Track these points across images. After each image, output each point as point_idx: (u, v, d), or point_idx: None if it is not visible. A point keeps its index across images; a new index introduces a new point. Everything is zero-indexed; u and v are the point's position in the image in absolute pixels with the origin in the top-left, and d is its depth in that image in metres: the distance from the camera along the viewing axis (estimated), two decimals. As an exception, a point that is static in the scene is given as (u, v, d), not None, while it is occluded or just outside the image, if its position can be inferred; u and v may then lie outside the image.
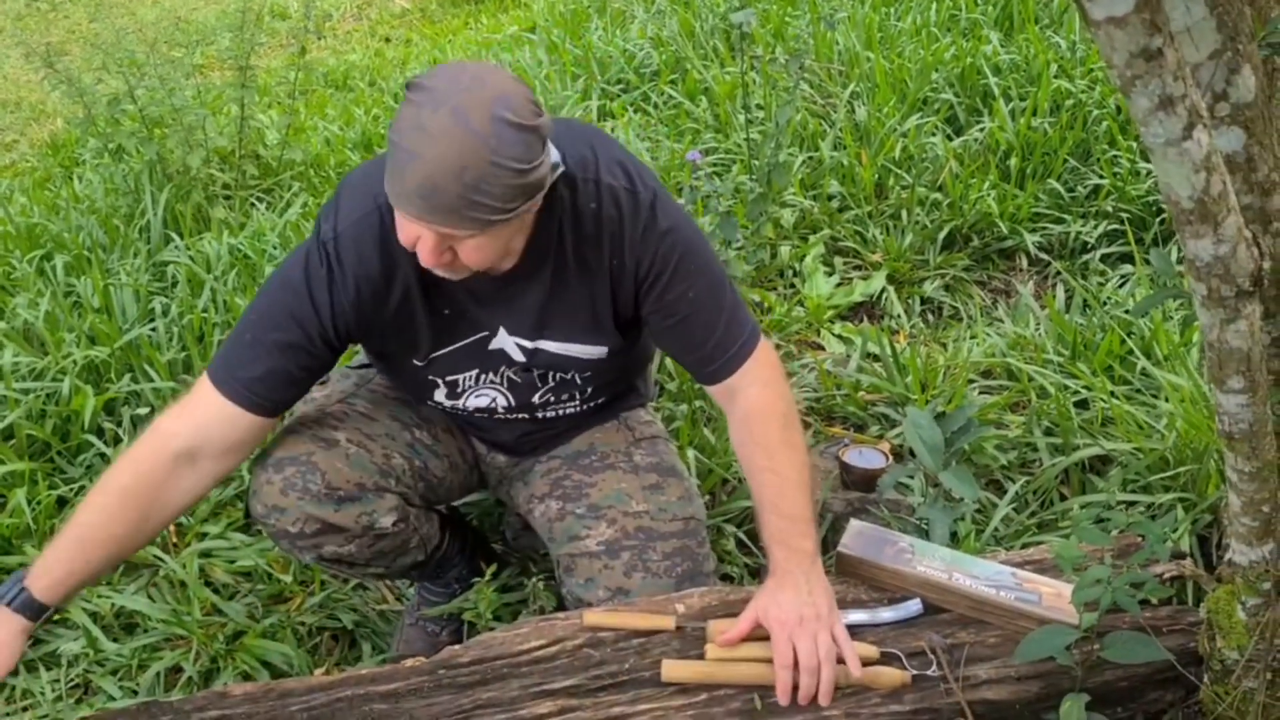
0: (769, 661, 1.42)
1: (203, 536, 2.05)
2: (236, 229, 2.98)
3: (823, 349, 2.61)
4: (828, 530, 1.99)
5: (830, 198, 3.11)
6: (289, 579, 1.97)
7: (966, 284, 2.84)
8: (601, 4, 4.63)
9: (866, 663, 1.44)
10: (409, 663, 1.47)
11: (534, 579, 1.75)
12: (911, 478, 1.95)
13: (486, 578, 1.73)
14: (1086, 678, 1.41)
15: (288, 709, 1.41)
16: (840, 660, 1.40)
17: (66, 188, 3.47)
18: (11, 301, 2.65)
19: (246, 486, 1.59)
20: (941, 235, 2.92)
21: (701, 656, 1.44)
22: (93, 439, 2.23)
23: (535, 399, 1.64)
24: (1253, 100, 1.16)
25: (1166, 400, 2.18)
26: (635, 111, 3.68)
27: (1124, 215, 2.91)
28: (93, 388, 2.32)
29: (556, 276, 1.49)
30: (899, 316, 2.71)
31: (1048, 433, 2.19)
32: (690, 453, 2.10)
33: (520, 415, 1.67)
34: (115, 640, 1.87)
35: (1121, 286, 2.72)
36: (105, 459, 2.21)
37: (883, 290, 2.81)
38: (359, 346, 1.68)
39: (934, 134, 3.27)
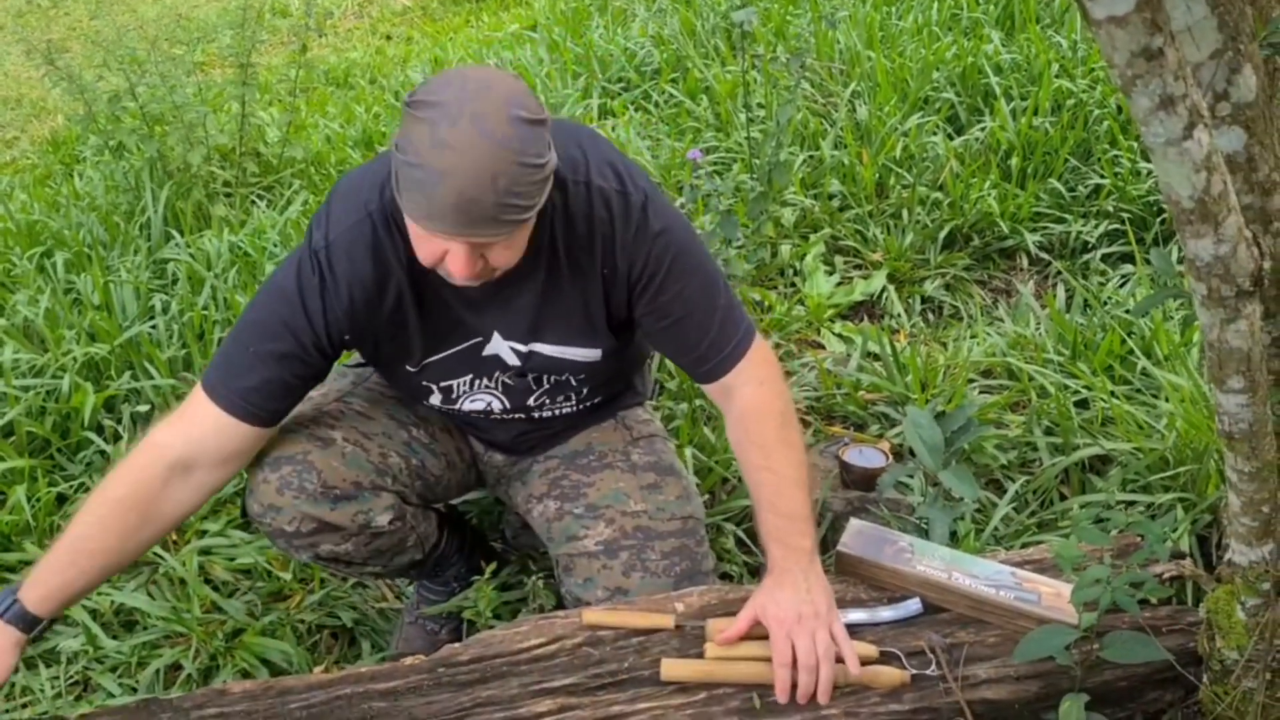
0: (768, 660, 1.42)
1: (202, 534, 2.05)
2: (237, 226, 2.98)
3: (823, 348, 2.61)
4: (827, 529, 1.98)
5: (831, 197, 3.10)
6: (288, 577, 1.97)
7: (967, 283, 2.84)
8: (603, 2, 4.63)
9: (866, 662, 1.44)
10: (408, 661, 1.47)
11: (533, 577, 1.75)
12: (911, 477, 1.95)
13: (486, 576, 1.73)
14: (1086, 677, 1.41)
15: (287, 707, 1.41)
16: (839, 659, 1.40)
17: (67, 185, 3.47)
18: (12, 298, 2.65)
19: (244, 485, 1.59)
20: (942, 234, 2.92)
21: (700, 655, 1.44)
22: (92, 436, 2.23)
23: (531, 401, 1.64)
24: (1254, 100, 1.16)
25: (1166, 400, 2.18)
26: (636, 110, 3.68)
27: (1125, 215, 2.91)
28: (93, 385, 2.32)
29: (549, 279, 1.48)
30: (899, 316, 2.71)
31: (1048, 432, 2.19)
32: (689, 451, 2.10)
33: (516, 416, 1.67)
34: (115, 637, 1.88)
35: (1122, 286, 2.71)
36: (105, 456, 2.21)
37: (883, 289, 2.81)
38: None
39: (935, 133, 3.27)
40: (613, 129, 3.50)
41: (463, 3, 5.76)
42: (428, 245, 1.32)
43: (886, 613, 1.52)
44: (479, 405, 1.63)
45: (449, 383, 1.59)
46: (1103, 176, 3.02)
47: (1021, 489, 2.04)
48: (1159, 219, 2.90)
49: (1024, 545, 1.87)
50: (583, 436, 1.74)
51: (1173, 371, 2.26)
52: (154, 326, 2.52)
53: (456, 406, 1.63)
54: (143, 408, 2.31)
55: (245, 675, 1.78)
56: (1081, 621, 1.39)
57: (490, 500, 2.09)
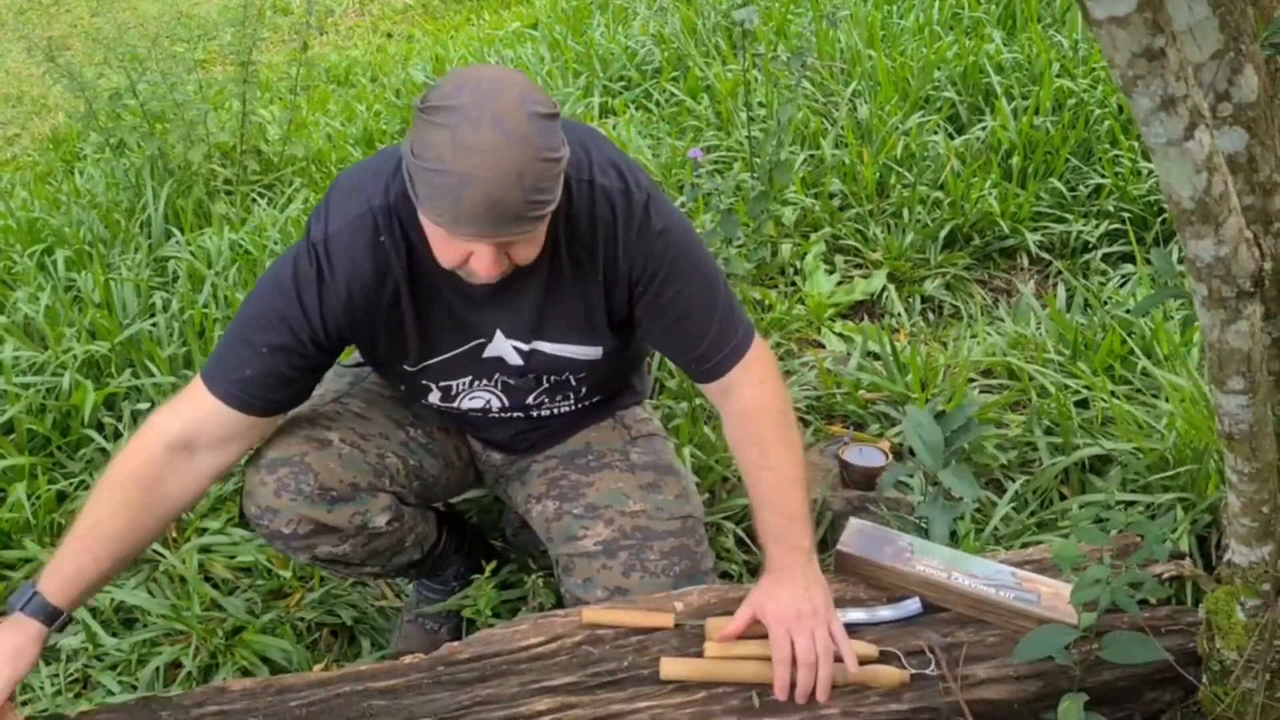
0: (767, 659, 1.43)
1: (202, 532, 2.05)
2: (238, 224, 2.98)
3: (823, 347, 2.61)
4: (827, 529, 1.98)
5: (831, 196, 3.10)
6: (288, 575, 1.97)
7: (967, 283, 2.84)
8: (604, 1, 4.63)
9: (865, 661, 1.44)
10: (408, 659, 1.47)
11: (533, 576, 1.75)
12: (911, 476, 1.95)
13: (485, 575, 1.73)
14: (1085, 677, 1.41)
15: (287, 705, 1.41)
16: (838, 658, 1.40)
17: (68, 182, 3.47)
18: (12, 296, 2.65)
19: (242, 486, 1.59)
20: (943, 234, 2.92)
21: (700, 654, 1.45)
22: (93, 434, 2.23)
23: (530, 400, 1.64)
24: (1255, 100, 1.16)
25: (1167, 400, 2.18)
26: (637, 109, 3.68)
27: (1125, 215, 2.91)
28: (93, 383, 2.32)
29: (551, 277, 1.48)
30: (899, 315, 2.71)
31: (1048, 432, 2.19)
32: (688, 450, 2.10)
33: (515, 415, 1.67)
34: (115, 635, 1.88)
35: (1122, 286, 2.71)
36: (105, 454, 2.21)
37: (883, 289, 2.80)
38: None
39: (936, 132, 3.27)
40: (613, 128, 3.50)
41: (464, 1, 5.76)
42: (450, 249, 1.32)
43: (886, 612, 1.52)
44: (478, 403, 1.63)
45: (449, 382, 1.59)
46: (1103, 176, 3.02)
47: (1021, 489, 2.04)
48: (1160, 219, 2.90)
49: (1024, 545, 1.87)
50: (581, 436, 1.74)
51: (1173, 371, 2.26)
52: (154, 324, 2.52)
53: (456, 404, 1.63)
54: (143, 405, 2.31)
55: (245, 673, 1.78)
56: (1081, 621, 1.39)
57: (490, 499, 2.09)
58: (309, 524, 1.54)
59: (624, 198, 1.45)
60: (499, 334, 1.53)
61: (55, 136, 4.21)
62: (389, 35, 5.49)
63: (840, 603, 1.54)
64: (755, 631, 1.47)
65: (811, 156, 3.24)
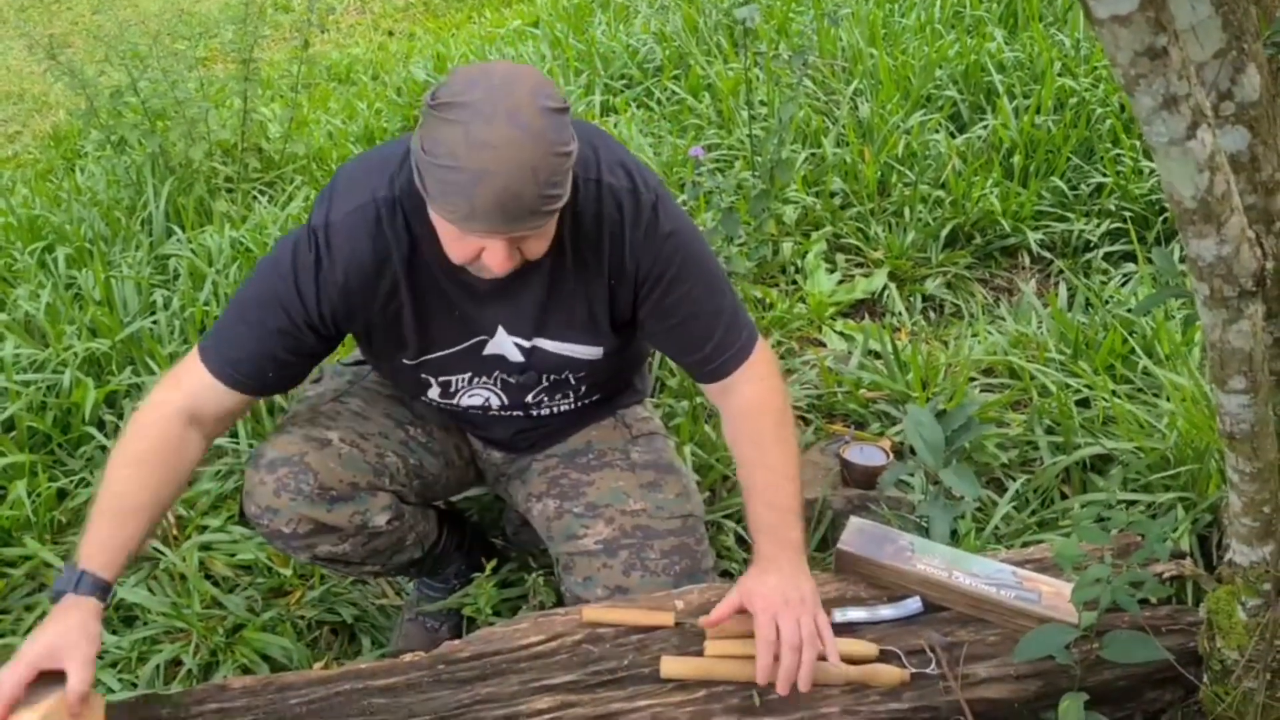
0: (768, 658, 1.43)
1: (203, 530, 2.05)
2: (239, 222, 2.98)
3: (824, 346, 2.61)
4: (828, 528, 1.98)
5: (833, 194, 3.10)
6: (289, 573, 1.97)
7: (968, 282, 2.84)
8: (605, -1, 4.63)
9: (865, 661, 1.44)
10: (408, 657, 1.47)
11: (534, 574, 1.75)
12: (912, 475, 1.95)
13: (486, 573, 1.73)
14: (1085, 677, 1.41)
15: (287, 702, 1.41)
16: (821, 656, 1.39)
17: (69, 180, 3.47)
18: (13, 293, 2.65)
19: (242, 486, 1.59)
20: (944, 233, 2.92)
21: (700, 653, 1.44)
22: (93, 431, 2.23)
23: (529, 398, 1.63)
24: (1257, 99, 1.16)
25: (1168, 399, 2.18)
26: (638, 107, 3.68)
27: (1127, 214, 2.91)
28: (94, 380, 2.32)
29: (555, 275, 1.48)
30: (900, 314, 2.71)
31: (1049, 431, 2.18)
32: (689, 449, 2.10)
33: (514, 413, 1.67)
34: (115, 633, 1.88)
35: (1124, 285, 2.71)
36: (105, 451, 2.20)
37: (884, 287, 2.80)
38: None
39: (937, 131, 3.26)
40: (615, 126, 3.50)
41: (465, -2, 5.76)
42: (462, 245, 1.32)
43: (886, 611, 1.52)
44: (477, 401, 1.63)
45: (448, 377, 1.59)
46: (1105, 175, 3.01)
47: (1022, 488, 2.04)
48: (1161, 218, 2.89)
49: (1024, 544, 1.87)
50: (582, 435, 1.73)
51: (1174, 371, 2.25)
52: (155, 322, 2.52)
53: (455, 401, 1.63)
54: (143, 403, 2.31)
55: (245, 671, 1.78)
56: (1081, 621, 1.39)
57: (490, 497, 2.09)
58: (309, 523, 1.54)
59: (632, 197, 1.45)
60: (501, 330, 1.53)
61: (56, 134, 4.21)
62: (390, 33, 5.48)
63: (841, 601, 1.54)
64: (747, 629, 1.46)
65: (813, 155, 3.23)
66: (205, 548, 2.01)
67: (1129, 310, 2.51)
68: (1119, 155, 3.05)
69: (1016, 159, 3.08)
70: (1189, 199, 1.05)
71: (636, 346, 1.68)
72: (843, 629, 1.50)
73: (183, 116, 3.16)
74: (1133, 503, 1.97)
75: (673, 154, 3.24)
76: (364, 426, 1.63)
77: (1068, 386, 2.28)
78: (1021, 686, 1.44)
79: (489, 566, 1.75)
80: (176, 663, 1.83)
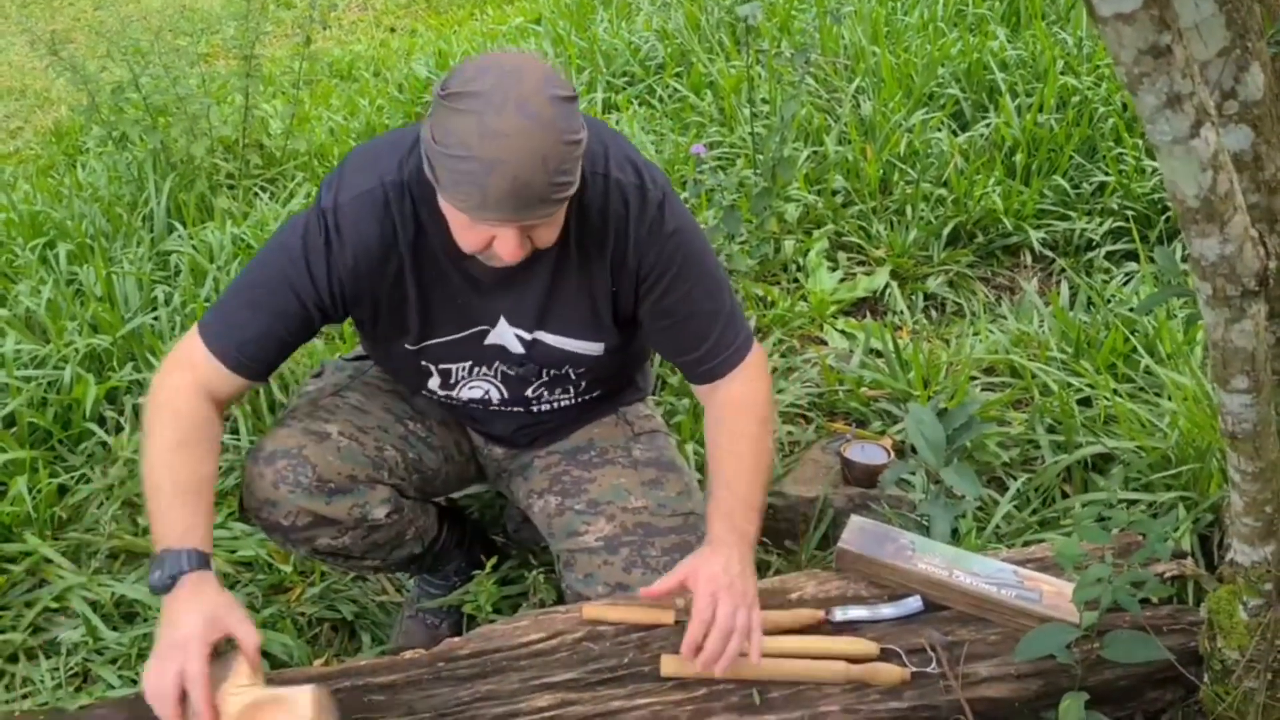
0: (768, 657, 1.42)
1: (203, 526, 2.04)
2: (240, 219, 2.97)
3: (825, 344, 2.61)
4: (829, 526, 1.98)
5: (835, 193, 3.10)
6: (289, 569, 1.97)
7: (970, 280, 2.84)
8: (607, -4, 4.62)
9: (865, 659, 1.43)
10: (408, 654, 1.47)
11: (534, 572, 1.75)
12: (913, 474, 1.95)
13: (486, 570, 1.73)
14: (1086, 676, 1.41)
15: (286, 699, 1.41)
16: (744, 653, 1.38)
17: (70, 175, 3.46)
18: (14, 289, 2.65)
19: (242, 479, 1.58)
20: (946, 231, 2.91)
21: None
22: (94, 427, 2.23)
23: (529, 392, 1.63)
24: (1261, 98, 1.15)
25: (1169, 399, 2.17)
26: (640, 105, 3.67)
27: (1129, 213, 2.90)
28: (94, 376, 2.32)
29: (559, 268, 1.48)
30: (902, 312, 2.71)
31: (1050, 430, 2.18)
32: (690, 447, 2.10)
33: (515, 408, 1.67)
34: (115, 629, 1.88)
35: (1126, 284, 2.71)
36: (106, 447, 2.21)
37: (886, 286, 2.80)
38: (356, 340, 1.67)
39: (939, 129, 3.26)
40: (617, 123, 3.49)
41: (467, -5, 5.75)
42: (473, 234, 1.33)
43: (887, 610, 1.52)
44: (477, 393, 1.63)
45: (448, 366, 1.59)
46: (1107, 174, 3.01)
47: (1023, 487, 2.04)
48: (1163, 217, 2.89)
49: (1025, 543, 1.86)
50: (584, 432, 1.73)
51: (1176, 370, 2.25)
52: (156, 318, 2.52)
53: (455, 392, 1.63)
54: (144, 399, 2.30)
55: (245, 667, 1.78)
56: (1082, 620, 1.38)
57: (492, 494, 2.09)
58: (308, 516, 1.54)
59: (638, 193, 1.46)
60: (503, 321, 1.53)
61: (58, 130, 4.21)
62: (392, 30, 5.48)
63: (842, 600, 1.54)
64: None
65: (815, 153, 3.23)
66: (206, 544, 2.01)
67: (1131, 309, 2.51)
68: (1121, 154, 3.04)
69: (1019, 157, 3.08)
70: (1192, 198, 1.05)
71: (638, 345, 1.68)
72: (843, 627, 1.50)
73: (184, 113, 3.16)
74: (1134, 502, 1.97)
75: (674, 151, 3.24)
76: (363, 420, 1.63)
77: (1069, 385, 2.27)
78: (1022, 686, 1.44)
79: (489, 564, 1.74)
80: (177, 659, 1.83)
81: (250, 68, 3.24)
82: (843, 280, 2.83)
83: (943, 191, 3.03)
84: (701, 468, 2.07)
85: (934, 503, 1.76)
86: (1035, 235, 2.89)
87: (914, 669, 1.43)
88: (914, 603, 1.53)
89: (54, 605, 1.91)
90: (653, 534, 1.60)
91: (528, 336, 1.55)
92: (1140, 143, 3.05)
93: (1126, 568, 1.38)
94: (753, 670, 1.42)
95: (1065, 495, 2.06)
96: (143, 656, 1.82)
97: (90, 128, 3.64)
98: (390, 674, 1.44)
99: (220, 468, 2.13)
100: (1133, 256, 2.82)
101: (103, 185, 3.22)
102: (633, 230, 1.46)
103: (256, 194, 3.21)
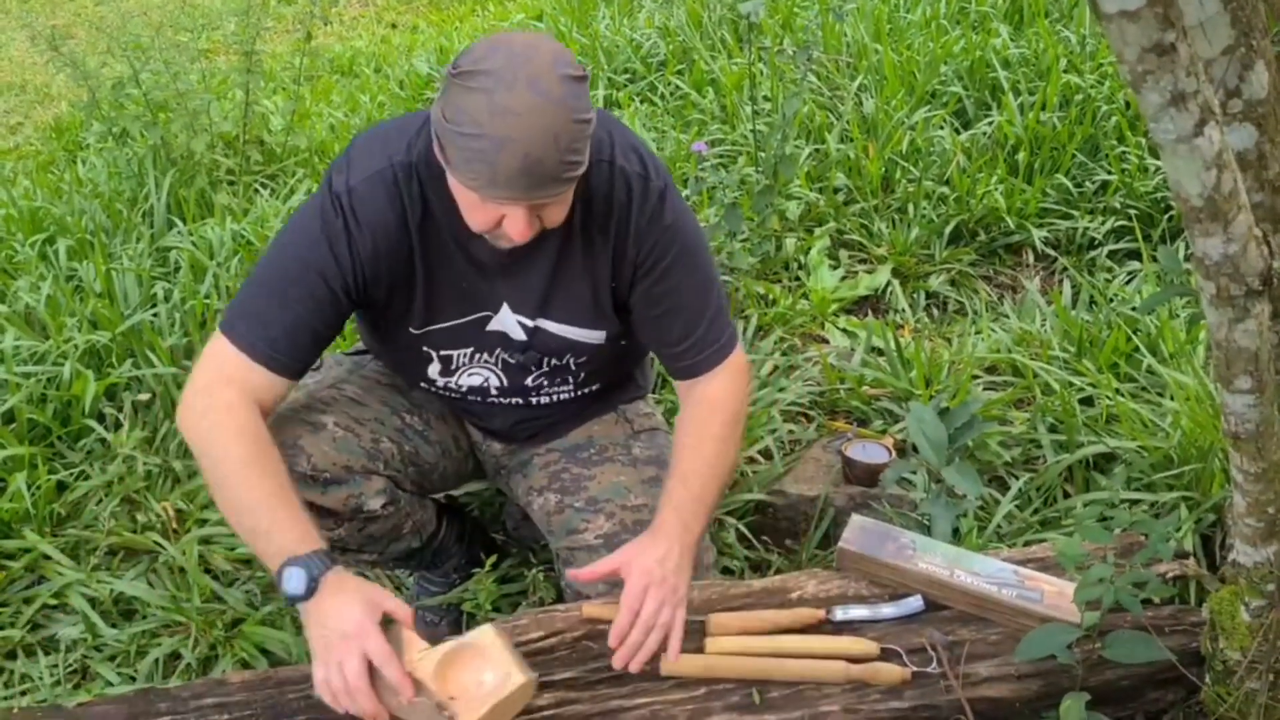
0: (768, 656, 1.43)
1: (203, 523, 2.04)
2: (240, 215, 2.97)
3: (827, 342, 2.60)
4: (829, 525, 1.98)
5: (836, 190, 3.09)
6: (288, 567, 1.97)
7: (972, 279, 2.83)
8: (609, -8, 4.61)
9: (866, 659, 1.43)
10: (407, 653, 1.46)
11: (534, 570, 1.75)
12: (914, 473, 1.94)
13: (486, 568, 1.72)
14: (1087, 677, 1.41)
15: (285, 697, 1.40)
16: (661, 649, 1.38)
17: (70, 171, 3.46)
18: (13, 285, 2.64)
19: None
20: (948, 229, 2.91)
21: (700, 650, 1.44)
22: (93, 424, 2.23)
23: (528, 382, 1.63)
24: (1265, 97, 1.15)
25: (1172, 398, 2.17)
26: (642, 102, 3.67)
27: (1132, 211, 2.90)
28: (94, 372, 2.31)
29: (562, 254, 1.49)
30: (904, 311, 2.70)
31: (1052, 429, 2.18)
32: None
33: (514, 400, 1.66)
34: (114, 626, 1.87)
35: (1128, 283, 2.70)
36: (105, 444, 2.20)
37: (888, 284, 2.79)
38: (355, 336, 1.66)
39: (942, 127, 3.25)
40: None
41: (468, -9, 5.74)
42: (483, 213, 1.33)
43: (888, 609, 1.52)
44: (476, 380, 1.62)
45: (449, 352, 1.59)
46: (1110, 172, 3.00)
47: (1025, 486, 2.04)
48: (1166, 216, 2.89)
49: (1027, 543, 1.86)
50: (583, 429, 1.73)
51: (1178, 369, 2.24)
52: (156, 314, 2.52)
53: (455, 380, 1.62)
54: (143, 396, 2.30)
55: (244, 665, 1.78)
56: (1084, 620, 1.38)
57: (491, 492, 2.09)
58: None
59: (642, 182, 1.47)
60: (505, 307, 1.53)
61: (58, 125, 4.20)
62: (393, 26, 5.47)
63: (842, 600, 1.54)
64: (754, 628, 1.46)
65: (816, 151, 3.22)
66: (205, 541, 2.01)
67: (1133, 308, 2.50)
68: (1124, 152, 3.03)
69: (1021, 156, 3.07)
70: (1196, 197, 1.04)
71: (637, 338, 1.68)
72: (844, 627, 1.50)
73: (185, 108, 3.15)
74: (1136, 502, 1.96)
75: (676, 149, 3.23)
76: (359, 412, 1.63)
77: (1071, 385, 2.27)
78: (1023, 686, 1.44)
79: (489, 562, 1.74)
80: (175, 656, 1.83)
81: (251, 63, 3.24)
82: (844, 278, 2.83)
83: (945, 190, 3.02)
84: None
85: (935, 502, 1.75)
86: (1037, 234, 2.88)
87: (915, 669, 1.43)
88: (915, 602, 1.53)
89: (53, 602, 1.90)
90: (652, 532, 1.60)
91: (530, 324, 1.55)
92: (1143, 141, 3.05)
93: (1128, 568, 1.38)
94: (753, 669, 1.41)
95: (1067, 495, 2.06)
96: (142, 654, 1.82)
97: (90, 123, 3.64)
98: (389, 672, 1.43)
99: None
100: (1135, 255, 2.81)
101: (103, 181, 3.21)
102: (634, 217, 1.47)
103: (257, 190, 3.21)
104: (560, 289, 1.52)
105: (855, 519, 1.63)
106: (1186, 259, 2.44)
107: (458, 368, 1.61)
